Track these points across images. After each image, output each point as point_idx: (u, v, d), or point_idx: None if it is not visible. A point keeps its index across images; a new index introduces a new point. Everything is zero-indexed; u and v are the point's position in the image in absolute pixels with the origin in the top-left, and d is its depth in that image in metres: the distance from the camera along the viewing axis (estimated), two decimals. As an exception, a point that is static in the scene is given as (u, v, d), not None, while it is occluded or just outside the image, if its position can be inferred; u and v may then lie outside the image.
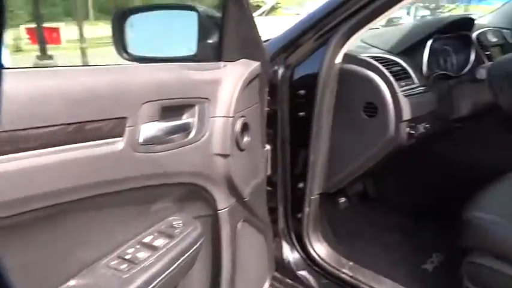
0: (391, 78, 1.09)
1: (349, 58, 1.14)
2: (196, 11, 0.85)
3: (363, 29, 1.07)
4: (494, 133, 1.48)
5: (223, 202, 0.86)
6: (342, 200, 1.48)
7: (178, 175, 0.76)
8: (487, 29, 1.59)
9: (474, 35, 1.50)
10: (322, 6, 1.11)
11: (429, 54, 1.26)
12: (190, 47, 0.85)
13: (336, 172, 1.24)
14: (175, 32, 0.85)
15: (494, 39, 1.57)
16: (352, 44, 1.13)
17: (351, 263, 1.25)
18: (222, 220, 0.87)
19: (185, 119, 0.76)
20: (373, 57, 1.16)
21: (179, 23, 0.84)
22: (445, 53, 1.39)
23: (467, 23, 1.38)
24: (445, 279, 1.31)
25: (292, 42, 1.15)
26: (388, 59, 1.18)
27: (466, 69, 1.38)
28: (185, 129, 0.75)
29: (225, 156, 0.82)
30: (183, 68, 0.78)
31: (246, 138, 0.88)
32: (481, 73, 1.17)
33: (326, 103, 1.14)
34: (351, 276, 1.21)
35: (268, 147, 1.12)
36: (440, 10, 8.44)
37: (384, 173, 1.27)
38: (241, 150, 0.87)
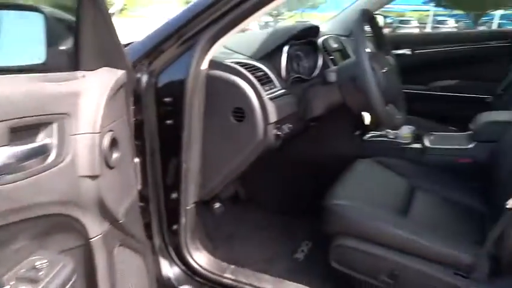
0: (256, 83, 1.14)
1: (215, 64, 1.14)
2: (42, 12, 0.73)
3: (227, 35, 1.08)
4: (343, 130, 1.69)
5: (96, 229, 0.77)
6: (217, 205, 1.49)
7: (39, 207, 0.64)
8: (328, 35, 1.80)
9: (320, 41, 1.68)
10: (185, 11, 1.09)
11: (287, 59, 1.35)
12: (37, 55, 0.72)
13: (210, 179, 1.23)
14: (18, 37, 0.71)
15: (335, 45, 1.78)
16: (217, 50, 1.14)
17: (232, 266, 1.27)
18: (96, 249, 0.77)
19: (42, 140, 0.65)
20: (237, 63, 1.19)
21: (22, 26, 0.71)
22: (298, 58, 1.51)
23: (314, 30, 1.54)
24: (316, 265, 1.44)
25: (155, 48, 1.09)
26: (252, 64, 1.23)
27: (316, 72, 1.54)
28: (43, 152, 0.64)
29: (93, 177, 0.72)
30: (32, 80, 0.66)
31: (115, 155, 0.80)
32: (332, 76, 1.32)
33: (195, 110, 1.12)
34: (234, 280, 1.23)
35: (136, 160, 1.05)
36: (281, 17, 9.29)
37: (251, 174, 1.32)
38: (111, 168, 0.78)
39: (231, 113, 1.16)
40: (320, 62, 1.54)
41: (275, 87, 1.25)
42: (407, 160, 1.59)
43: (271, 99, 1.17)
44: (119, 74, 0.83)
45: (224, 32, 1.08)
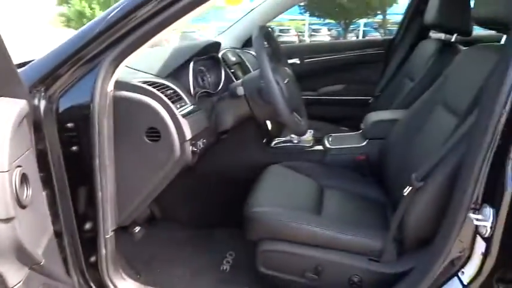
0: (168, 102, 1.12)
1: (122, 85, 1.10)
2: None
3: (132, 54, 1.05)
4: (252, 139, 1.75)
5: (15, 276, 0.68)
6: (137, 229, 1.42)
7: None
8: (226, 49, 1.85)
9: (220, 55, 1.72)
10: (83, 31, 1.02)
11: (192, 76, 1.36)
12: None
13: (128, 203, 1.18)
14: None
15: (233, 58, 1.84)
16: (121, 70, 1.09)
17: None
18: None
19: None
20: (145, 82, 1.16)
21: None
22: (202, 73, 1.53)
23: (215, 45, 1.57)
24: (243, 273, 1.46)
25: (52, 72, 1.01)
26: (160, 83, 1.21)
27: (220, 86, 1.57)
28: None
29: (6, 220, 0.64)
30: None
31: (26, 192, 0.72)
32: (240, 90, 1.36)
33: (104, 134, 1.06)
34: None
35: (44, 193, 0.96)
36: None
37: (164, 191, 1.30)
38: (24, 207, 0.70)
39: (145, 133, 1.13)
40: (223, 76, 1.58)
41: (186, 104, 1.25)
42: (312, 162, 1.72)
43: (184, 116, 1.17)
44: (20, 104, 0.75)
45: (129, 52, 1.04)
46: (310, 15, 18.79)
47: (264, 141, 1.85)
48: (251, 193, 1.40)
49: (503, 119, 0.88)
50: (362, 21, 18.92)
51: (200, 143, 1.26)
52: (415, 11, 2.36)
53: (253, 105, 1.36)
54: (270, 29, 2.66)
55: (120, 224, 1.20)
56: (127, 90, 1.11)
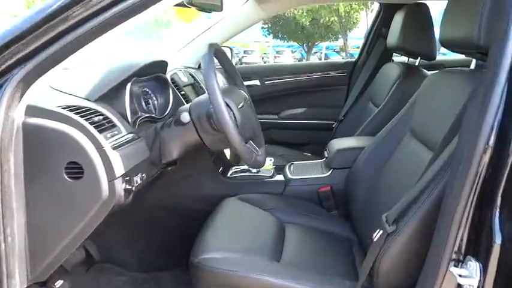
0: (93, 131, 0.92)
1: (34, 110, 0.89)
2: None
3: (48, 73, 0.85)
4: (205, 168, 1.56)
5: None
6: (59, 283, 1.17)
7: None
8: (177, 69, 1.67)
9: (168, 75, 1.54)
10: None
11: (131, 99, 1.17)
12: None
13: (45, 254, 0.95)
14: None
15: (185, 79, 1.66)
16: (38, 92, 0.89)
17: None
18: None
19: None
20: (66, 107, 0.95)
21: None
22: (147, 95, 1.34)
23: (161, 65, 1.39)
24: None
25: None
26: (87, 107, 1.00)
27: (168, 110, 1.38)
28: None
29: None
30: None
31: None
32: (185, 117, 1.18)
33: (10, 171, 0.84)
34: None
35: None
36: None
37: (102, 230, 1.09)
38: None
39: (64, 169, 0.91)
40: (171, 98, 1.39)
41: (120, 132, 1.05)
42: (272, 194, 1.55)
43: (115, 147, 0.96)
44: None
45: (45, 69, 0.84)
46: (274, 37, 19.07)
47: (220, 170, 1.67)
48: (200, 234, 1.22)
49: (487, 156, 0.74)
50: (324, 44, 19.44)
51: (137, 179, 1.06)
52: (377, 33, 2.30)
53: (203, 133, 1.18)
54: (230, 48, 2.54)
55: (35, 280, 0.97)
56: (41, 117, 0.89)
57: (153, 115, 1.32)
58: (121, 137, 1.03)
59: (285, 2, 2.13)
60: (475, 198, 0.75)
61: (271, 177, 1.63)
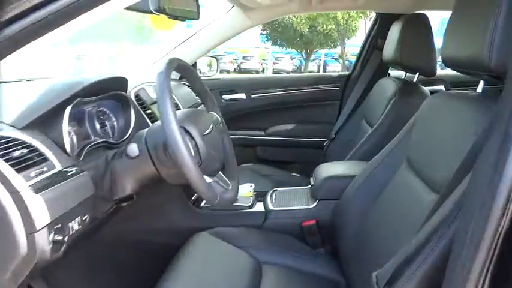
0: (7, 171, 0.73)
1: None
2: None
3: None
4: (175, 198, 1.37)
5: None
6: None
7: None
8: (146, 84, 1.49)
9: (133, 92, 1.35)
10: None
11: (83, 122, 0.98)
12: None
13: None
14: None
15: (154, 95, 1.48)
16: None
17: None
18: None
19: None
20: None
21: None
22: (104, 116, 1.16)
23: (120, 81, 1.20)
24: None
25: None
26: (7, 138, 0.81)
27: (129, 132, 1.20)
28: None
29: None
30: None
31: None
32: (132, 149, 0.99)
33: None
34: None
35: None
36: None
37: (54, 271, 0.91)
38: None
39: None
40: (133, 119, 1.21)
41: (52, 168, 0.85)
42: (250, 227, 1.37)
43: (40, 189, 0.77)
44: None
45: None
46: (272, 44, 18.96)
47: (192, 199, 1.48)
48: (162, 278, 1.04)
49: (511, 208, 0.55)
50: (323, 51, 19.33)
51: (74, 225, 0.86)
52: (373, 44, 2.12)
53: (160, 165, 0.99)
54: (216, 57, 2.36)
55: None
56: None
57: (109, 140, 1.13)
58: (52, 174, 0.84)
59: (272, 11, 1.95)
60: (496, 253, 0.57)
61: (250, 207, 1.44)
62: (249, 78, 2.42)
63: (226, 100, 2.28)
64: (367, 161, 1.33)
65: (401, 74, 1.84)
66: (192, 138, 0.96)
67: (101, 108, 1.16)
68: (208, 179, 0.98)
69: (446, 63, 0.94)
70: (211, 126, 1.07)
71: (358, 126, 1.92)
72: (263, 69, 20.09)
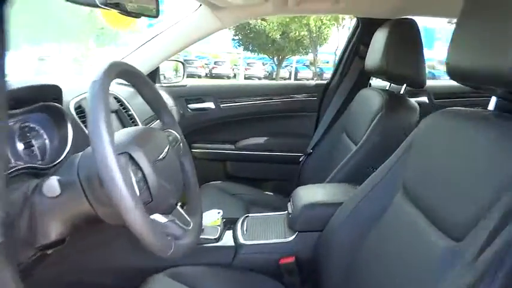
0: None
1: None
2: None
3: None
4: (123, 236, 1.13)
5: None
6: None
7: None
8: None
9: (72, 103, 1.11)
10: None
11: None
12: None
13: None
14: None
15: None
16: None
17: None
18: None
19: None
20: None
21: None
22: (31, 133, 0.91)
23: (51, 89, 0.96)
24: None
25: None
26: None
27: (65, 153, 0.95)
28: None
29: None
30: None
31: None
32: (51, 188, 0.75)
33: None
34: None
35: None
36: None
37: None
38: None
39: None
40: (70, 135, 0.97)
41: None
42: (217, 266, 1.15)
43: None
44: None
45: None
46: (244, 49, 18.81)
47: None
48: None
49: None
50: (294, 58, 19.36)
51: None
52: (354, 51, 1.95)
53: (95, 201, 0.76)
54: (182, 62, 2.13)
55: None
56: None
57: (36, 164, 0.88)
58: None
59: (244, 11, 1.75)
60: None
61: (217, 239, 1.22)
62: (218, 86, 2.19)
63: (192, 110, 2.05)
64: (352, 183, 1.15)
65: (384, 84, 1.68)
66: (139, 168, 0.73)
67: (26, 124, 0.91)
68: (161, 219, 0.76)
69: (453, 76, 0.78)
70: (167, 148, 0.84)
71: (337, 140, 1.74)
72: (235, 75, 19.92)
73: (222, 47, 19.77)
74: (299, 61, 20.33)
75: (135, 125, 1.41)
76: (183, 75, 2.08)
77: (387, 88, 1.63)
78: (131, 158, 0.73)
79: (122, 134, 0.78)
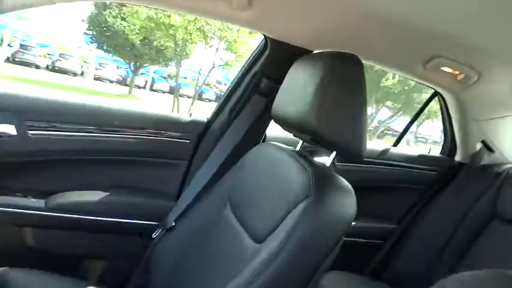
0: None
1: None
2: None
3: None
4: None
5: None
6: None
7: None
8: None
9: None
10: None
11: None
12: None
13: None
14: None
15: None
16: None
17: None
18: None
19: None
20: None
21: None
22: None
23: None
24: None
25: None
26: None
27: None
28: None
29: None
30: None
31: None
32: None
33: None
34: None
35: None
36: None
37: None
38: None
39: None
40: None
41: None
42: None
43: None
44: None
45: None
46: (98, 48, 16.88)
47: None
48: None
49: None
50: (152, 67, 18.30)
51: None
52: (253, 85, 1.36)
53: None
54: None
55: None
56: None
57: None
58: None
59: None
60: None
61: None
62: (30, 97, 1.30)
63: None
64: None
65: (284, 137, 1.16)
66: None
67: None
68: None
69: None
70: None
71: (217, 217, 1.11)
72: (82, 73, 17.73)
73: (71, 39, 17.51)
74: (157, 72, 19.39)
75: None
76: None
77: (298, 148, 1.10)
78: None
79: None
